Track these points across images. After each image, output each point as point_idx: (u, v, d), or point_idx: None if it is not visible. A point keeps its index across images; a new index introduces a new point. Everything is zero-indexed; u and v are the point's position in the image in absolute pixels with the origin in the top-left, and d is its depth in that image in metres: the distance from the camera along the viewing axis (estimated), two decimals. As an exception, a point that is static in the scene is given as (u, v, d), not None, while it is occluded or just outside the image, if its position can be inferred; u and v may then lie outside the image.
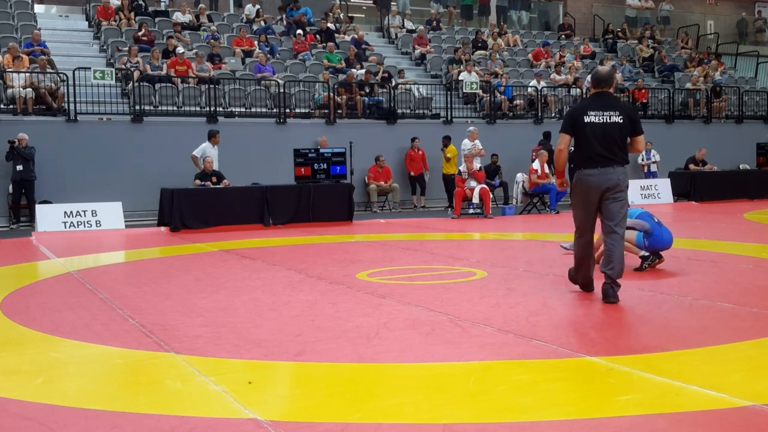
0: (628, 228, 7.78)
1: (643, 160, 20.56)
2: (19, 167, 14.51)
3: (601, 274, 6.46)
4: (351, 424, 3.63)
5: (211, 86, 17.27)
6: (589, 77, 6.97)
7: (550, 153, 20.02)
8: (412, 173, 18.21)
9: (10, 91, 15.81)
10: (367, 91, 19.05)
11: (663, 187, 18.70)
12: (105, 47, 18.98)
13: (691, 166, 19.38)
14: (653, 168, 20.34)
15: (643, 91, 22.45)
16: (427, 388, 4.17)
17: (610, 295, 6.31)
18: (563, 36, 26.65)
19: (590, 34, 27.87)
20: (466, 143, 16.61)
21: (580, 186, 6.43)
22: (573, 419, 3.62)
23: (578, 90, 21.66)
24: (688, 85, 23.70)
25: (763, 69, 28.25)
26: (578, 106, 6.59)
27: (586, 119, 6.33)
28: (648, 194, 18.29)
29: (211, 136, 15.02)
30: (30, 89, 15.77)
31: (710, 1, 32.22)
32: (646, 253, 8.06)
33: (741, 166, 21.97)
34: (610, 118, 6.32)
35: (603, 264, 6.40)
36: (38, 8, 21.22)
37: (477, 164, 16.28)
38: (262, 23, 21.54)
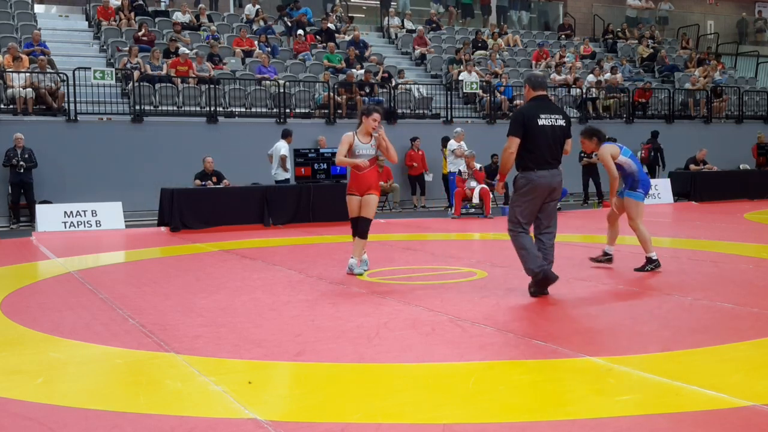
0: (619, 166, 8.01)
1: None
2: (20, 170, 14.55)
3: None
4: (351, 424, 3.63)
5: (211, 86, 17.27)
6: (526, 80, 6.87)
7: (658, 151, 20.22)
8: (415, 164, 18.17)
9: (10, 91, 15.81)
10: (367, 91, 19.05)
11: (663, 187, 18.70)
12: (105, 47, 18.98)
13: (692, 166, 19.38)
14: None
15: (647, 93, 22.44)
16: (427, 388, 4.17)
17: (550, 280, 6.65)
18: (563, 36, 26.66)
19: (590, 34, 27.87)
20: (452, 144, 16.61)
21: (532, 186, 6.56)
22: (573, 419, 3.62)
23: (578, 90, 21.67)
24: (688, 85, 23.71)
25: (763, 69, 28.25)
26: (527, 110, 6.65)
27: (540, 122, 6.51)
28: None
29: (287, 135, 15.24)
30: (30, 89, 15.77)
31: (710, 1, 32.22)
32: (654, 256, 8.03)
33: (741, 166, 21.98)
34: (557, 122, 6.61)
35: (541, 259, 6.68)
36: (38, 8, 21.21)
37: (477, 165, 16.28)
38: (262, 23, 21.54)
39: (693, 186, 18.82)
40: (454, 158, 16.01)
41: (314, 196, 14.54)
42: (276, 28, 21.74)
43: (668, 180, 19.01)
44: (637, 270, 8.02)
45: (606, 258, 8.45)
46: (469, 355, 4.79)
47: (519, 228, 6.68)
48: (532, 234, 6.77)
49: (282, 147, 15.16)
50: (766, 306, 6.12)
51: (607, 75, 22.75)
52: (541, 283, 6.67)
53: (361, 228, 8.06)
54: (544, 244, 6.69)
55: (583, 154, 18.75)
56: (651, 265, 8.02)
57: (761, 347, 4.88)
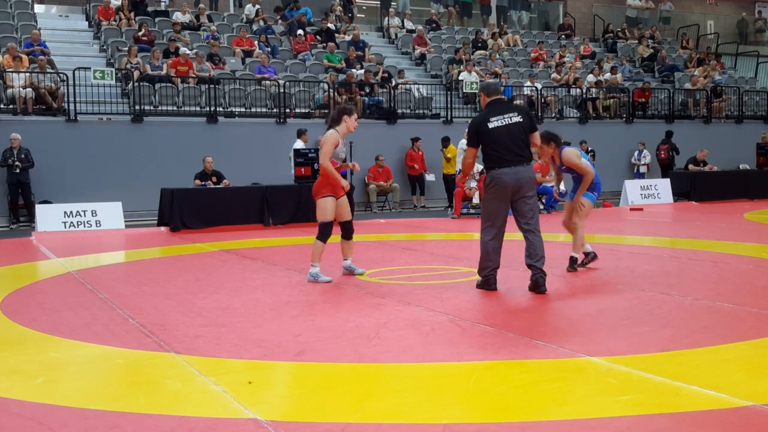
0: (578, 174, 8.07)
1: (634, 159, 20.51)
2: (16, 170, 14.56)
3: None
4: (351, 424, 3.63)
5: (211, 86, 17.27)
6: (480, 89, 7.19)
7: (674, 150, 20.41)
8: (416, 166, 18.19)
9: (10, 91, 15.81)
10: (367, 91, 19.05)
11: (663, 187, 18.69)
12: (105, 47, 18.99)
13: (691, 166, 19.38)
14: (642, 169, 20.13)
15: (647, 92, 22.44)
16: (427, 388, 4.17)
17: (540, 285, 6.71)
18: (563, 36, 26.66)
19: (590, 34, 27.88)
20: (464, 143, 16.61)
21: (496, 184, 6.76)
22: (573, 419, 3.62)
23: (578, 90, 21.66)
24: (688, 85, 23.70)
25: (763, 69, 28.24)
26: (478, 119, 6.99)
27: (490, 125, 6.74)
28: (648, 194, 18.28)
29: (302, 134, 15.33)
30: (30, 89, 15.77)
31: (710, 1, 32.22)
32: (576, 255, 8.13)
33: (741, 166, 21.97)
34: (511, 120, 6.77)
35: (529, 257, 6.75)
36: (38, 8, 21.21)
37: (479, 166, 16.30)
38: (262, 23, 21.53)
39: (693, 186, 18.81)
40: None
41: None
42: (276, 29, 21.73)
43: (668, 180, 19.01)
44: (569, 270, 8.04)
45: (590, 259, 8.40)
46: (469, 355, 4.79)
47: (485, 225, 6.91)
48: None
49: (299, 146, 15.28)
50: (766, 306, 6.12)
51: (607, 75, 22.75)
52: (483, 285, 6.99)
53: (352, 229, 8.00)
54: (530, 242, 6.80)
55: None
56: (572, 265, 8.07)
57: (761, 347, 4.88)
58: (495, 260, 6.95)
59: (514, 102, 20.54)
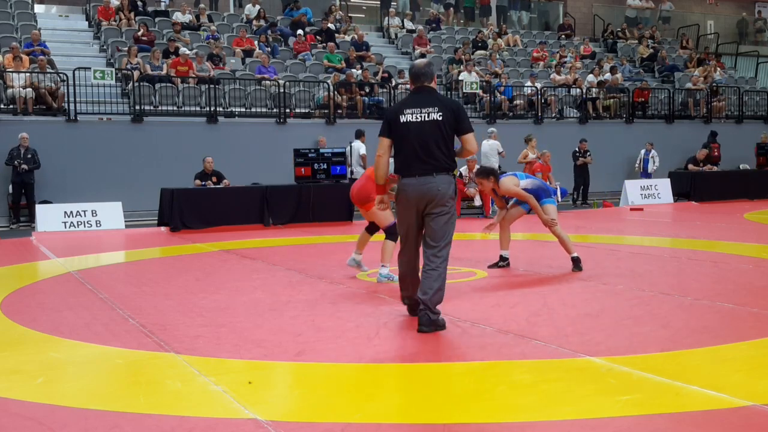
0: (527, 190, 8.07)
1: (640, 160, 20.44)
2: (20, 170, 14.56)
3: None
4: (351, 424, 3.63)
5: (211, 86, 17.27)
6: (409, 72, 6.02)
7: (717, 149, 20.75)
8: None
9: (10, 91, 15.81)
10: (367, 91, 19.05)
11: (663, 187, 18.69)
12: (105, 47, 18.98)
13: (690, 166, 19.37)
14: (650, 169, 20.10)
15: (645, 91, 22.45)
16: (427, 388, 4.17)
17: (422, 323, 5.38)
18: (563, 36, 26.66)
19: (590, 34, 27.87)
20: (488, 144, 16.71)
21: (399, 197, 5.56)
22: (573, 419, 3.62)
23: (578, 90, 21.67)
24: (689, 85, 23.70)
25: (763, 69, 28.25)
26: (395, 106, 5.74)
27: (402, 119, 5.44)
28: (648, 194, 18.28)
29: (360, 135, 16.39)
30: (30, 89, 15.77)
31: (710, 1, 32.22)
32: (576, 255, 8.18)
33: (741, 166, 21.97)
34: (428, 116, 5.41)
35: (421, 288, 5.41)
36: (38, 8, 21.21)
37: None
38: (263, 23, 21.52)
39: (693, 186, 18.82)
40: (487, 159, 16.24)
41: (314, 196, 14.55)
42: (282, 22, 21.71)
43: (668, 180, 19.01)
44: (574, 270, 8.05)
45: (504, 263, 8.52)
46: (469, 355, 4.79)
47: (401, 243, 5.75)
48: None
49: (360, 146, 16.22)
50: (766, 306, 6.12)
51: (607, 75, 22.75)
52: (410, 310, 5.91)
53: (377, 227, 7.96)
54: (426, 269, 5.43)
55: (578, 154, 18.76)
56: (576, 265, 8.09)
57: (761, 347, 4.88)
58: (411, 289, 5.73)
59: (515, 102, 20.58)
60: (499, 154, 16.74)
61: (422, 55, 22.58)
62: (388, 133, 5.52)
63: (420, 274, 5.56)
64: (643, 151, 19.99)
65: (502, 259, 8.52)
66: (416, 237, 5.63)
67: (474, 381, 4.25)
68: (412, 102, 5.53)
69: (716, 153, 21.02)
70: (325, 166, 14.89)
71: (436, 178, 5.38)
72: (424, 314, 5.36)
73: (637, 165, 20.28)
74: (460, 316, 5.88)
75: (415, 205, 5.46)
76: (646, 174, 19.95)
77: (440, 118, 5.39)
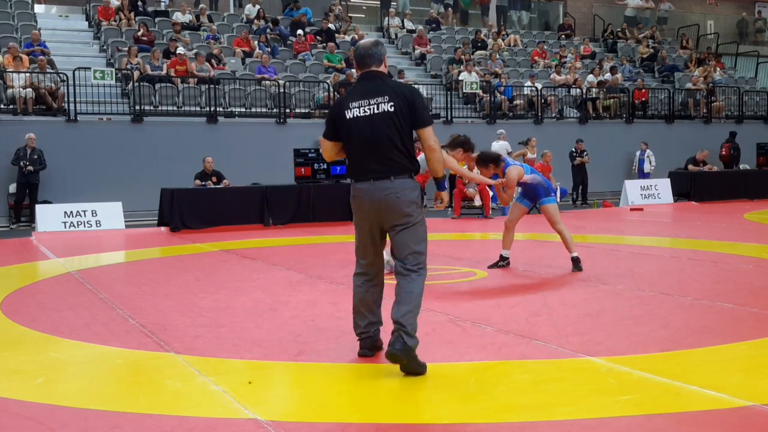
0: (528, 188, 8.11)
1: (636, 161, 20.41)
2: (25, 171, 14.58)
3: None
4: (351, 424, 3.63)
5: (211, 86, 17.27)
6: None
7: (736, 149, 20.92)
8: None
9: (10, 91, 15.81)
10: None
11: (663, 187, 18.69)
12: (105, 47, 18.99)
13: (690, 166, 19.37)
14: (646, 169, 20.07)
15: (644, 90, 22.45)
16: (427, 388, 4.17)
17: (392, 345, 4.30)
18: (563, 36, 26.66)
19: (590, 34, 27.87)
20: (496, 145, 16.70)
21: (353, 206, 4.64)
22: (573, 419, 3.62)
23: (578, 90, 21.67)
24: (689, 85, 23.70)
25: (763, 69, 28.24)
26: (340, 100, 4.71)
27: (348, 114, 4.50)
28: (648, 194, 18.27)
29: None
30: (30, 89, 15.77)
31: (710, 1, 32.22)
32: (576, 255, 8.15)
33: (741, 166, 21.96)
34: (378, 108, 4.45)
35: (393, 309, 4.40)
36: (38, 8, 21.21)
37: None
38: (262, 23, 21.51)
39: (693, 186, 18.81)
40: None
41: (314, 196, 14.54)
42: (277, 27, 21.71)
43: (668, 180, 19.00)
44: (574, 270, 8.04)
45: (504, 262, 8.52)
46: (469, 355, 4.79)
47: (357, 266, 4.73)
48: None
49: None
50: (766, 306, 6.12)
51: (607, 75, 22.75)
52: (363, 345, 4.79)
53: None
54: (399, 288, 4.47)
55: (575, 154, 18.76)
56: (576, 265, 8.08)
57: (761, 347, 4.88)
58: (365, 315, 4.69)
59: (515, 102, 20.55)
60: (509, 154, 16.76)
61: (422, 55, 22.61)
62: (333, 134, 4.62)
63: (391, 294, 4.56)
64: (638, 152, 19.99)
65: (502, 258, 8.52)
66: (372, 254, 4.65)
67: (474, 381, 4.25)
68: (359, 92, 4.55)
69: (724, 152, 21.01)
70: (325, 166, 14.88)
71: (395, 182, 4.43)
72: (397, 336, 4.30)
73: (633, 166, 20.29)
74: (460, 316, 5.89)
75: (370, 218, 4.54)
76: (643, 174, 19.94)
77: (392, 110, 4.42)
